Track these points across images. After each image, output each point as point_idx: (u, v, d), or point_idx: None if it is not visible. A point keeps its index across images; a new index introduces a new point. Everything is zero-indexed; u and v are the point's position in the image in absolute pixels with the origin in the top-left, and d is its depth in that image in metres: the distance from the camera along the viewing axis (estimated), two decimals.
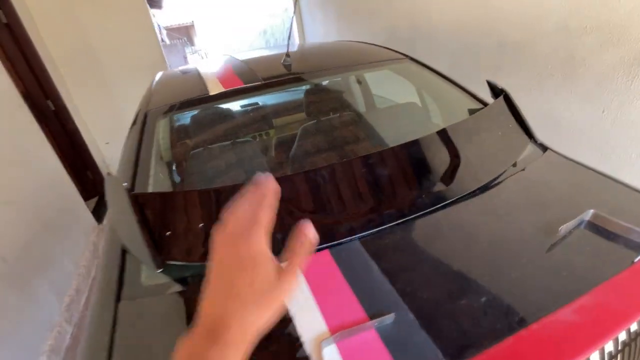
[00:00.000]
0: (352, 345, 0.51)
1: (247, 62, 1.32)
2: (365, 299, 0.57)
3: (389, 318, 0.53)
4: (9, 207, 1.69)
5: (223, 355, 0.27)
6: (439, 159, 0.88)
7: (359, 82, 1.62)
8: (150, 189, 0.85)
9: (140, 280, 0.70)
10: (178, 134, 1.20)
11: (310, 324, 0.54)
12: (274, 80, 1.21)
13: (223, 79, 1.23)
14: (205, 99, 1.14)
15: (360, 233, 0.72)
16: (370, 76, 1.59)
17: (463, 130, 0.97)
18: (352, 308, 0.56)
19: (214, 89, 1.15)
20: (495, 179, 0.87)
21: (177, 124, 1.24)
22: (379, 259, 0.65)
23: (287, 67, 1.26)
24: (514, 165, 0.93)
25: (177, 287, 0.67)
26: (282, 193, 0.33)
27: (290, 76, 1.23)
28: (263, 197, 0.33)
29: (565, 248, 0.62)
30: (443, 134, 0.93)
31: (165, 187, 0.94)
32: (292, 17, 1.44)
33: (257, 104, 1.37)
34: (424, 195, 0.80)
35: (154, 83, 1.33)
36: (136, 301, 0.66)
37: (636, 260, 0.57)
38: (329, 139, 1.08)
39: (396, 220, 0.75)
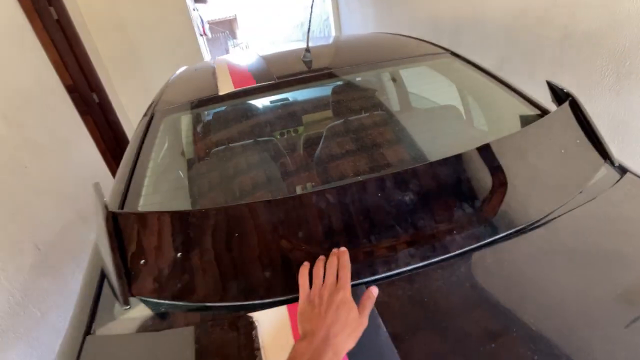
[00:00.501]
0: None
1: (266, 59, 1.20)
2: None
3: None
4: (47, 196, 1.77)
5: None
6: (480, 183, 0.69)
7: (394, 79, 1.45)
8: (142, 201, 0.78)
9: (113, 311, 0.61)
10: (183, 137, 1.12)
11: None
12: (289, 78, 1.08)
13: (236, 77, 1.14)
14: (213, 99, 1.05)
15: (365, 277, 0.59)
16: (406, 74, 1.40)
17: (515, 146, 0.77)
18: None
19: (224, 88, 1.07)
20: (555, 212, 0.67)
21: (184, 125, 1.15)
22: (391, 314, 0.53)
23: (307, 63, 1.15)
24: (581, 192, 0.72)
25: (149, 325, 0.58)
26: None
27: (308, 74, 1.10)
28: (340, 263, 0.56)
29: None
30: (487, 151, 0.73)
31: (163, 199, 0.86)
32: (311, 7, 1.27)
33: (274, 102, 1.24)
34: (457, 231, 0.61)
35: (170, 80, 1.28)
36: (103, 337, 0.57)
37: None
38: (349, 143, 0.93)
39: (419, 263, 0.59)
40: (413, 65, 1.23)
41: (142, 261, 0.60)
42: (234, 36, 19.06)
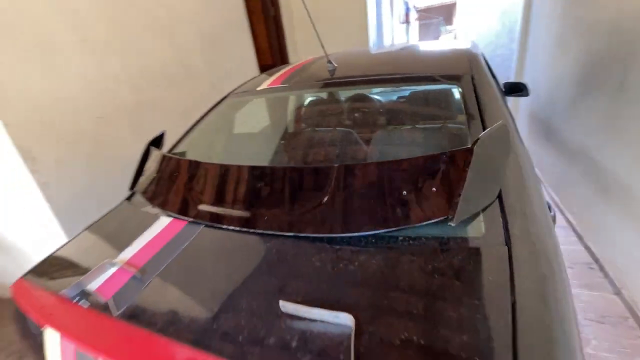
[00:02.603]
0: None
1: (316, 61, 1.44)
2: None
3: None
4: None
5: None
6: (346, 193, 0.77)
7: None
8: (180, 148, 1.26)
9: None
10: (231, 117, 1.52)
11: None
12: (303, 85, 1.28)
13: (279, 76, 1.41)
14: (254, 92, 1.37)
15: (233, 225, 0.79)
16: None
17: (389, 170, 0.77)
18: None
19: (263, 85, 1.37)
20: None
21: (238, 105, 1.53)
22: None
23: (331, 72, 1.27)
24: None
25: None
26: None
27: (323, 83, 1.26)
28: None
29: None
30: (368, 168, 0.77)
31: (192, 149, 1.31)
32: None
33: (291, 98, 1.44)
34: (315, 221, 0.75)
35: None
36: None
37: None
38: (331, 150, 1.10)
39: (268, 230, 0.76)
40: (419, 86, 1.17)
41: (154, 176, 1.08)
42: (449, 22, 18.27)
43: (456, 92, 1.02)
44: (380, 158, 1.06)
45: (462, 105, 0.95)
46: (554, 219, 1.12)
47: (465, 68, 1.10)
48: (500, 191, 0.73)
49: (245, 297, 0.64)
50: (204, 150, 1.19)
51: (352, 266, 0.65)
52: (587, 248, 2.14)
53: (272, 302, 0.59)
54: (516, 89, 2.42)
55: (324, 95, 1.40)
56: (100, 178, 1.90)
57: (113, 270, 0.76)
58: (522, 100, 3.70)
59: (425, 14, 15.24)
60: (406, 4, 9.34)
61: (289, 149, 1.28)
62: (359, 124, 1.27)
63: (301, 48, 4.33)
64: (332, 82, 1.23)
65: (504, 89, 2.43)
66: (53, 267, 0.85)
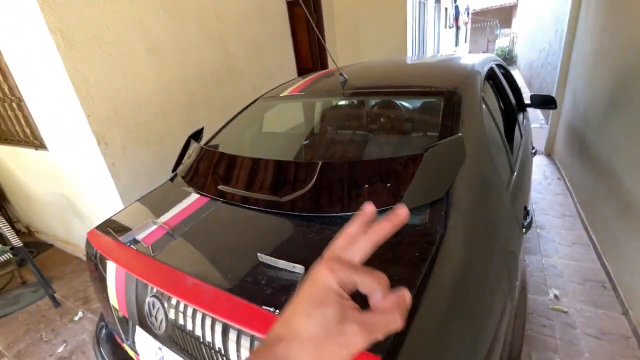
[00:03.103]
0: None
1: (333, 73, 1.65)
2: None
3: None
4: None
5: None
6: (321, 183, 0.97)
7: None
8: (213, 142, 1.55)
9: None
10: (255, 117, 1.71)
11: None
12: (314, 94, 1.51)
13: (299, 85, 1.64)
14: (274, 97, 1.62)
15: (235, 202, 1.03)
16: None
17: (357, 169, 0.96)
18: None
19: (287, 92, 1.61)
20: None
21: (260, 111, 1.68)
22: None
23: (342, 84, 1.44)
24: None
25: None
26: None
27: (330, 92, 1.49)
28: (367, 228, 0.35)
29: None
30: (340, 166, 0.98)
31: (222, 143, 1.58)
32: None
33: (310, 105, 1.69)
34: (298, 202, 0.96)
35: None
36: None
37: None
38: (330, 151, 1.33)
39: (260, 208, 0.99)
40: (408, 98, 1.31)
41: (193, 162, 1.37)
42: (507, 25, 17.32)
43: (439, 106, 1.17)
44: (356, 157, 1.27)
45: (440, 119, 1.11)
46: (527, 224, 1.22)
47: (455, 84, 1.24)
48: (450, 190, 0.89)
49: (238, 250, 0.88)
50: (230, 143, 1.46)
51: (317, 237, 0.86)
52: (604, 266, 2.10)
53: (254, 254, 0.83)
54: (544, 101, 2.42)
55: (329, 102, 1.62)
56: (155, 162, 2.29)
57: (154, 227, 1.05)
58: (563, 111, 3.57)
59: (479, 17, 14.62)
60: (456, 8, 9.12)
61: (292, 146, 1.52)
62: (346, 128, 1.48)
63: (341, 54, 4.55)
64: (336, 92, 1.46)
65: (530, 102, 2.44)
66: (115, 223, 1.17)
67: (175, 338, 0.83)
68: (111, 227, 1.14)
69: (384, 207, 0.86)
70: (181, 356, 0.84)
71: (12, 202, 3.54)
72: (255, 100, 1.73)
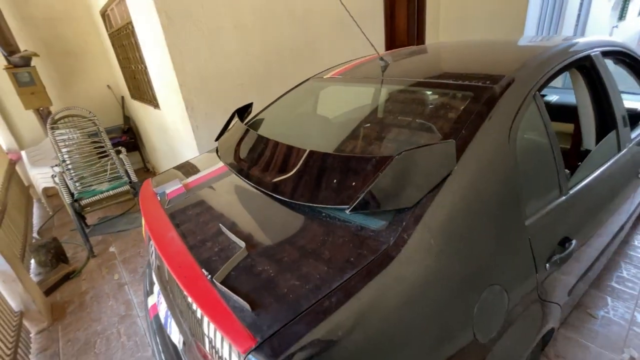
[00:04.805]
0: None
1: (378, 58, 1.53)
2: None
3: None
4: None
5: None
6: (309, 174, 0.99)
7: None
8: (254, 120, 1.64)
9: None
10: (299, 99, 1.73)
11: None
12: (356, 79, 1.45)
13: (343, 68, 1.60)
14: (325, 79, 1.63)
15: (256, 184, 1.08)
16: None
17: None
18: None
19: (328, 74, 1.61)
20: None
21: (314, 89, 1.72)
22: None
23: (383, 69, 1.40)
24: None
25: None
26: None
27: (371, 79, 1.42)
28: None
29: None
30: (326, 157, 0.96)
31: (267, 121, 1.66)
32: None
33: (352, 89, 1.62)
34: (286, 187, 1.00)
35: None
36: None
37: None
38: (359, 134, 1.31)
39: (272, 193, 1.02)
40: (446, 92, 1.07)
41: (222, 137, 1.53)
42: None
43: (465, 103, 1.01)
44: (359, 149, 1.22)
45: (455, 118, 0.97)
46: (556, 260, 1.01)
47: (496, 79, 1.04)
48: (423, 202, 0.80)
49: (221, 219, 1.01)
50: (267, 122, 1.57)
51: (277, 219, 0.92)
52: None
53: (221, 224, 0.95)
54: None
55: (362, 88, 1.55)
56: None
57: (178, 186, 1.27)
58: None
59: None
60: None
61: (306, 131, 1.54)
62: (367, 118, 1.40)
63: (443, 29, 4.11)
64: (369, 78, 1.39)
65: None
66: (162, 177, 1.44)
67: (160, 277, 1.04)
68: (159, 180, 1.41)
69: (337, 205, 0.85)
70: (163, 294, 1.05)
71: (146, 147, 4.55)
72: (305, 81, 1.79)
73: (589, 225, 1.22)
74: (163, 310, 1.09)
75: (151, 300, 1.32)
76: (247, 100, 2.73)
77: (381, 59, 1.38)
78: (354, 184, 0.85)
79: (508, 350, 0.92)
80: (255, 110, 1.76)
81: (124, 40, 3.25)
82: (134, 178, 3.00)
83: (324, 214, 0.90)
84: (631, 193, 1.55)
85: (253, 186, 1.10)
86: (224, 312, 0.68)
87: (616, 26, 7.29)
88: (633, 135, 1.55)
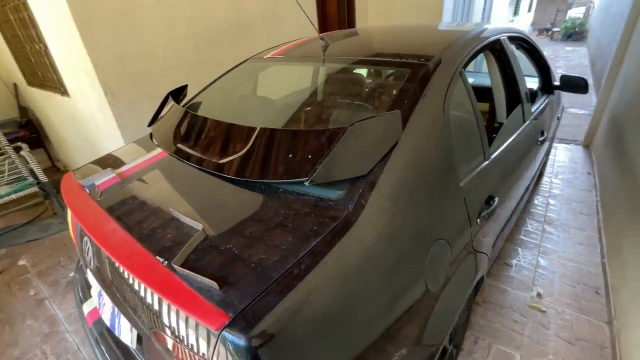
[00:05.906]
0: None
1: (316, 39, 1.57)
2: None
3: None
4: None
5: None
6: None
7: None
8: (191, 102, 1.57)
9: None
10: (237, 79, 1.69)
11: None
12: (299, 58, 1.47)
13: (283, 48, 1.61)
14: (256, 59, 1.63)
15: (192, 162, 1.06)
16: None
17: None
18: None
19: (269, 54, 1.59)
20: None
21: (249, 68, 1.68)
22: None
23: (324, 48, 1.41)
24: None
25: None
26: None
27: (304, 57, 1.45)
28: None
29: None
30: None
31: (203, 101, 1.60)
32: None
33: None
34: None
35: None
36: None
37: None
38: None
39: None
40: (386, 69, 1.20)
41: (156, 120, 1.42)
42: None
43: (404, 78, 1.09)
44: (305, 124, 1.24)
45: (397, 91, 1.04)
46: (485, 214, 1.16)
47: (429, 57, 1.14)
48: (376, 170, 0.85)
49: (166, 203, 0.93)
50: (208, 105, 1.48)
51: (233, 200, 0.89)
52: (604, 272, 1.94)
53: (172, 209, 0.88)
54: (574, 84, 2.15)
55: (306, 67, 1.57)
56: None
57: (111, 176, 1.13)
58: (610, 100, 3.15)
59: None
60: None
61: (253, 109, 1.52)
62: (310, 95, 1.44)
63: (372, 15, 4.28)
64: (312, 57, 1.40)
65: (559, 82, 2.18)
66: (87, 169, 1.27)
67: (101, 276, 0.93)
68: (83, 172, 1.24)
69: (294, 179, 0.86)
70: (107, 293, 0.94)
71: (53, 143, 3.93)
72: (244, 61, 1.72)
73: (506, 185, 1.42)
74: (108, 312, 0.98)
75: (87, 307, 1.18)
76: (176, 85, 2.51)
77: (322, 38, 1.39)
78: (310, 157, 0.86)
79: (452, 298, 1.05)
80: (189, 95, 1.64)
81: (12, 15, 2.71)
82: (42, 178, 2.59)
83: (281, 190, 0.89)
84: (533, 158, 1.84)
85: (202, 169, 1.03)
86: (188, 294, 0.64)
87: (512, 20, 8.61)
88: (532, 109, 1.84)
